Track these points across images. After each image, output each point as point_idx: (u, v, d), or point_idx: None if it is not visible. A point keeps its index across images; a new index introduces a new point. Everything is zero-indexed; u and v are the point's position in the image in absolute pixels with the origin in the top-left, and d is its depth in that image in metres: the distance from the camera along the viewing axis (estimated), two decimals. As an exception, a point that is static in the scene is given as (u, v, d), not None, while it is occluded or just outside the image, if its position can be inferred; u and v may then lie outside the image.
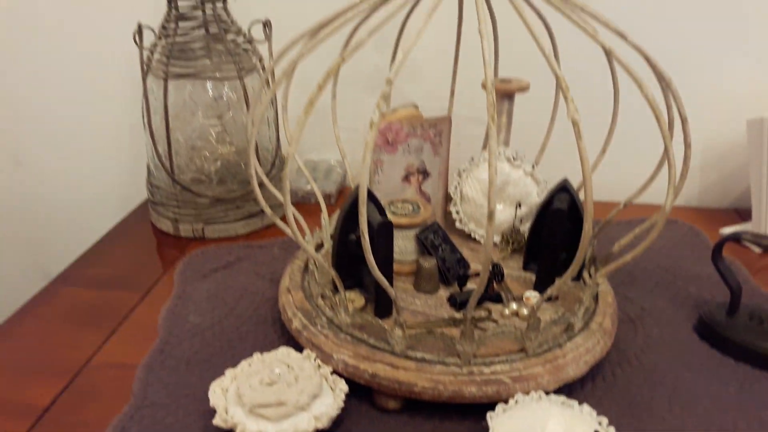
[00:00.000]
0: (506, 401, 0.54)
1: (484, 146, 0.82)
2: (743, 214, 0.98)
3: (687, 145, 0.56)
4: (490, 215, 0.45)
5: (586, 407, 0.53)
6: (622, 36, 0.54)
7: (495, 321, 0.62)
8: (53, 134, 1.14)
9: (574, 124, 0.46)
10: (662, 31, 0.93)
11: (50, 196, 1.20)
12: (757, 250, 0.86)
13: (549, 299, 0.65)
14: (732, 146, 0.99)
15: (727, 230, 0.91)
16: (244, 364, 0.58)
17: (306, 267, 0.71)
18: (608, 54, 0.52)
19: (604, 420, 0.52)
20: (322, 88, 0.49)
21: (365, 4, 0.54)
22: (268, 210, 0.59)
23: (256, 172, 0.59)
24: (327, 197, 0.97)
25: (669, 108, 0.57)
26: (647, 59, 0.54)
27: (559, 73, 0.47)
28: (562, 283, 0.52)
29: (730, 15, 0.91)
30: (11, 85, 1.11)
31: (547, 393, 0.55)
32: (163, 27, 0.82)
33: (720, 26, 0.92)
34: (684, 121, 0.56)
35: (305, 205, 0.98)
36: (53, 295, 0.76)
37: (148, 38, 0.83)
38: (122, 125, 1.11)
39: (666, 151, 0.52)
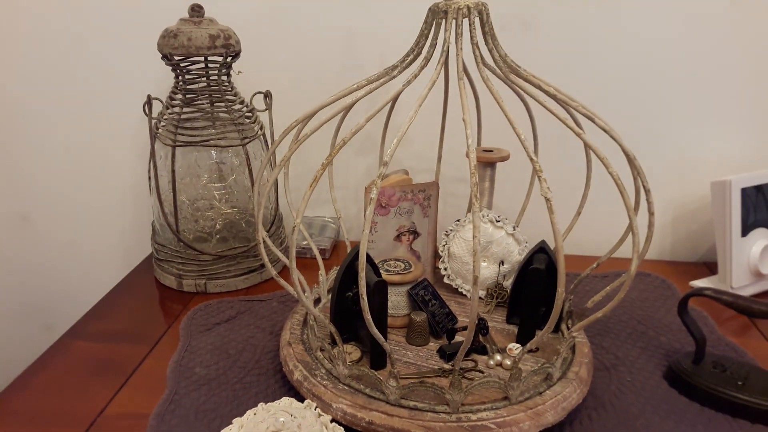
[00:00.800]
0: (492, 446, 0.59)
1: (470, 209, 0.89)
2: (712, 267, 1.05)
3: (650, 213, 0.63)
4: (475, 280, 0.52)
5: (563, 451, 0.58)
6: (590, 119, 0.61)
7: (480, 371, 0.68)
8: (60, 194, 1.20)
9: (547, 200, 0.53)
10: (636, 102, 1.02)
11: (55, 253, 1.25)
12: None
13: (530, 351, 0.71)
14: (700, 205, 1.07)
15: (696, 283, 0.98)
16: (249, 414, 0.63)
17: (305, 321, 0.76)
18: (578, 136, 0.60)
19: (580, 462, 0.57)
20: (326, 166, 0.56)
21: (361, 90, 0.61)
22: (274, 272, 0.65)
23: (264, 240, 0.65)
24: (322, 252, 1.03)
25: (635, 179, 0.64)
26: (614, 138, 0.61)
27: (533, 156, 0.54)
28: (541, 337, 0.58)
29: (697, 89, 1.00)
30: (22, 146, 1.17)
31: (528, 438, 0.60)
32: (170, 98, 0.89)
33: (688, 99, 1.01)
34: (647, 192, 0.63)
35: (301, 258, 1.03)
36: (65, 348, 0.81)
37: (156, 108, 0.90)
38: (126, 187, 1.18)
39: (630, 222, 0.59)
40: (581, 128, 0.68)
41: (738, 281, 0.92)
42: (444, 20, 0.61)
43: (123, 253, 1.22)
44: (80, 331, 0.85)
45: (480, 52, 0.62)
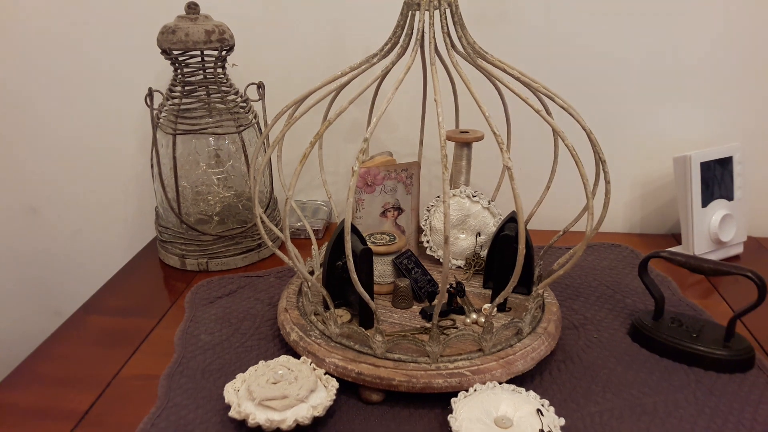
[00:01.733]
0: (467, 390, 0.66)
1: (450, 187, 0.97)
2: (679, 238, 1.12)
3: (607, 181, 0.70)
4: (446, 240, 0.59)
5: (531, 393, 0.66)
6: (550, 98, 0.68)
7: (458, 328, 0.75)
8: (66, 185, 1.27)
9: (508, 168, 0.60)
10: (605, 86, 1.09)
11: (63, 242, 1.32)
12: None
13: (502, 310, 0.79)
14: (667, 181, 1.15)
15: (662, 252, 1.05)
16: (251, 369, 0.70)
17: (300, 290, 0.83)
18: (537, 112, 0.67)
19: (546, 402, 0.65)
20: (314, 144, 0.63)
21: (345, 77, 0.68)
22: (269, 243, 0.73)
23: (261, 216, 0.72)
24: (315, 232, 1.10)
25: (594, 153, 0.71)
26: (571, 115, 0.68)
27: (495, 130, 0.61)
28: (508, 290, 0.65)
29: (660, 72, 1.08)
30: (29, 140, 1.24)
31: (500, 383, 0.67)
32: (170, 90, 0.96)
33: (653, 81, 1.08)
34: (603, 163, 0.70)
35: (296, 239, 1.10)
36: (80, 322, 0.88)
37: (157, 100, 0.96)
38: (129, 177, 1.25)
39: (584, 187, 0.66)
40: (549, 110, 0.75)
41: (700, 248, 0.99)
42: (417, 11, 0.68)
43: (127, 239, 1.29)
44: (93, 307, 0.92)
45: (450, 39, 0.69)
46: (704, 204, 0.99)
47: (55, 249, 1.33)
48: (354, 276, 0.63)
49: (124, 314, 0.90)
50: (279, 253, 0.73)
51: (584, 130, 0.68)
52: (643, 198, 1.17)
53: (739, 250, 1.05)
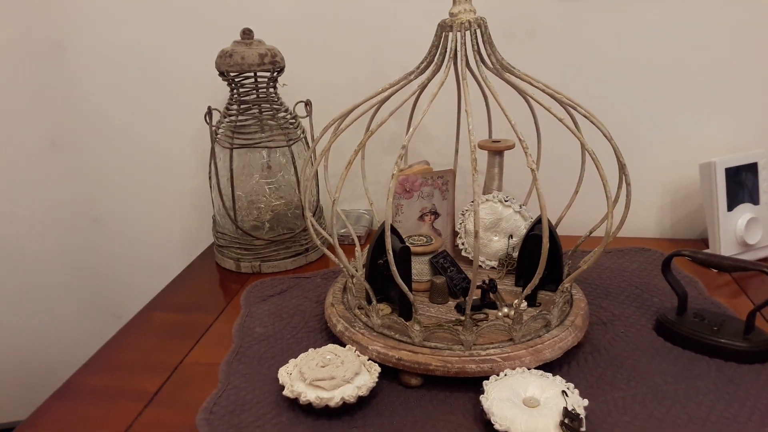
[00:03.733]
0: (498, 374, 0.72)
1: (484, 192, 1.03)
2: (708, 243, 1.16)
3: (627, 183, 0.76)
4: (475, 234, 0.66)
5: (558, 377, 0.72)
6: (573, 107, 0.75)
7: (490, 321, 0.81)
8: (128, 197, 1.38)
9: (532, 171, 0.67)
10: (635, 96, 1.15)
11: (123, 250, 1.44)
12: (712, 269, 1.04)
13: (533, 305, 0.84)
14: (698, 186, 1.19)
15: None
16: (302, 355, 0.78)
17: (344, 288, 0.91)
18: (561, 121, 0.73)
19: (571, 385, 0.70)
20: (357, 152, 0.71)
21: (386, 92, 0.76)
22: (318, 243, 0.81)
23: (312, 222, 0.80)
24: (358, 239, 1.18)
25: (617, 158, 0.76)
26: (593, 123, 0.74)
27: (521, 136, 0.68)
28: (533, 282, 0.72)
29: (688, 80, 1.13)
30: (94, 153, 1.36)
31: (529, 369, 0.73)
32: (227, 108, 1.06)
33: (681, 90, 1.13)
34: (623, 167, 0.76)
35: (341, 244, 1.18)
36: (146, 317, 0.97)
37: (215, 117, 1.06)
38: (186, 189, 1.35)
39: (604, 187, 0.72)
40: (575, 120, 0.82)
41: (726, 251, 1.03)
42: (450, 32, 0.76)
43: (185, 247, 1.39)
44: (156, 305, 1.01)
45: (480, 56, 0.76)
46: (730, 208, 1.03)
47: (118, 257, 1.44)
48: (393, 267, 0.70)
49: (184, 311, 0.99)
50: (327, 252, 0.81)
51: (605, 135, 0.74)
52: (673, 204, 1.21)
53: (766, 252, 1.08)
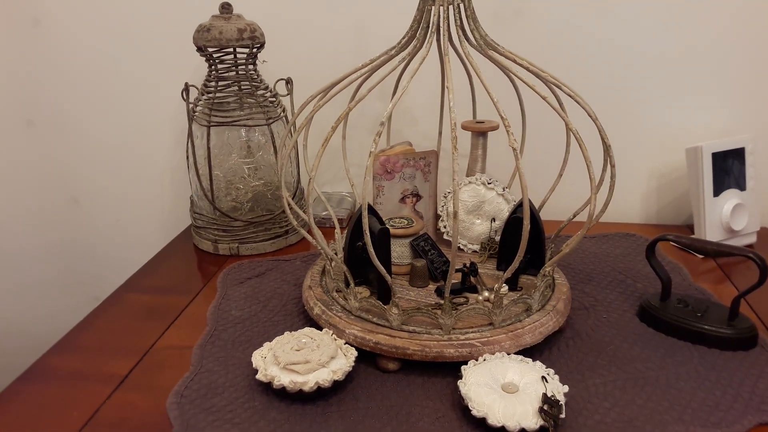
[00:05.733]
0: (477, 359, 0.71)
1: (467, 174, 1.01)
2: (694, 229, 1.15)
3: (611, 165, 0.74)
4: (455, 214, 0.64)
5: (537, 362, 0.70)
6: (558, 86, 0.73)
7: (470, 305, 0.80)
8: (107, 175, 1.35)
9: (513, 149, 0.64)
10: (622, 79, 1.13)
11: (102, 230, 1.40)
12: (697, 254, 1.03)
13: (514, 289, 0.83)
14: (684, 172, 1.17)
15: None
16: (277, 338, 0.76)
17: (323, 270, 0.89)
18: (544, 99, 0.71)
19: (551, 371, 0.69)
20: (335, 128, 0.68)
21: (365, 68, 0.73)
22: (295, 223, 0.78)
23: (287, 200, 0.78)
24: (340, 221, 1.16)
25: (602, 138, 0.75)
26: (578, 102, 0.72)
27: (503, 114, 0.66)
28: (514, 265, 0.70)
29: (676, 65, 1.11)
30: (71, 132, 1.32)
31: (508, 354, 0.71)
32: (205, 85, 1.03)
33: (670, 75, 1.12)
34: (608, 148, 0.74)
35: (322, 227, 1.16)
36: (120, 299, 0.95)
37: (192, 94, 1.03)
38: (164, 169, 1.32)
39: (588, 168, 0.70)
40: (560, 100, 0.79)
41: (712, 237, 1.02)
42: (433, 6, 0.73)
43: (164, 227, 1.36)
44: (131, 286, 0.99)
45: (463, 32, 0.74)
46: (716, 193, 1.02)
47: (96, 238, 1.41)
48: (371, 249, 0.68)
49: (160, 292, 0.96)
50: (304, 233, 0.79)
51: (590, 116, 0.72)
52: (659, 189, 1.19)
53: (752, 239, 1.07)
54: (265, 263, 1.03)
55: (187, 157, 1.05)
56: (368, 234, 0.67)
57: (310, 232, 0.80)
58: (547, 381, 0.67)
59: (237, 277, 0.98)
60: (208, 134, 1.00)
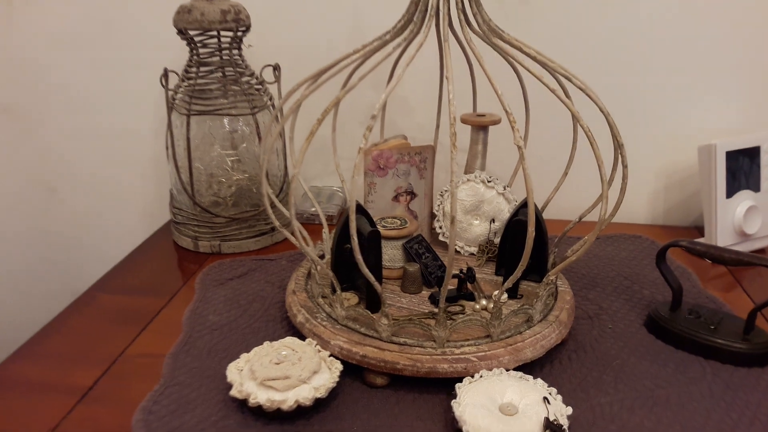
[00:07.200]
0: (472, 376, 0.65)
1: (465, 171, 0.95)
2: (703, 231, 1.09)
3: (624, 165, 0.68)
4: (452, 219, 0.57)
5: (539, 380, 0.64)
6: (568, 78, 0.66)
7: (466, 314, 0.74)
8: (85, 165, 1.28)
9: (519, 148, 0.58)
10: (629, 74, 1.06)
11: (80, 222, 1.33)
12: (706, 259, 0.97)
13: (514, 296, 0.77)
14: (691, 171, 1.11)
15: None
16: (256, 349, 0.69)
17: (309, 273, 0.82)
18: (552, 92, 0.64)
19: (553, 390, 0.63)
20: (321, 121, 0.62)
21: (357, 54, 0.67)
22: (278, 223, 0.72)
23: (268, 194, 0.71)
24: (330, 218, 1.09)
25: (613, 137, 0.68)
26: (589, 96, 0.66)
27: (507, 108, 0.59)
28: (515, 275, 0.64)
29: (688, 60, 1.04)
30: (47, 119, 1.25)
31: (507, 370, 0.65)
32: (186, 71, 0.96)
33: (681, 69, 1.05)
34: (620, 147, 0.68)
35: (311, 225, 1.10)
36: (92, 299, 0.88)
37: (172, 80, 0.96)
38: (146, 158, 1.25)
39: (599, 169, 0.63)
40: (567, 93, 0.73)
41: (723, 240, 0.96)
42: (431, -12, 0.67)
43: (145, 221, 1.30)
44: (104, 286, 0.92)
45: (465, 16, 0.67)
46: (729, 195, 0.96)
47: (73, 229, 1.34)
48: (359, 256, 0.62)
49: (135, 293, 0.90)
50: (286, 232, 0.72)
51: (602, 111, 0.66)
52: (666, 189, 1.13)
53: (765, 243, 1.01)
54: (248, 263, 0.96)
55: (167, 148, 0.99)
56: (355, 239, 0.60)
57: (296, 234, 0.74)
58: (549, 402, 0.61)
59: (217, 278, 0.92)
60: (188, 123, 0.93)
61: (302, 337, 0.72)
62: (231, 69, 0.95)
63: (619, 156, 0.68)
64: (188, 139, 0.93)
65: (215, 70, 0.95)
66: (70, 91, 1.22)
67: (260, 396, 0.62)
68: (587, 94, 0.66)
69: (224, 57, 0.95)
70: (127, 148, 1.24)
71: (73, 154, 1.27)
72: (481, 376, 0.64)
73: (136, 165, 1.26)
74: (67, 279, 1.39)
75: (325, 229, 0.86)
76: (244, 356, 0.69)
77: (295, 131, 0.80)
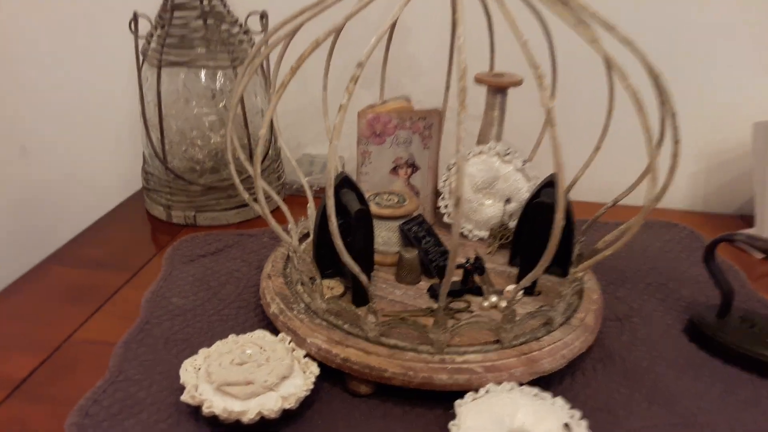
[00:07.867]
0: (477, 390, 0.53)
1: (478, 142, 0.82)
2: (749, 221, 0.95)
3: (676, 140, 0.55)
4: (457, 200, 0.45)
5: (558, 400, 0.52)
6: (609, 29, 0.53)
7: (472, 313, 0.62)
8: (58, 122, 1.15)
9: (548, 112, 0.45)
10: (671, 41, 0.92)
11: (53, 185, 1.22)
12: (757, 255, 0.84)
13: (530, 293, 0.64)
14: (738, 152, 0.97)
15: (728, 235, 0.89)
16: (218, 344, 0.58)
17: (289, 255, 0.71)
18: (592, 44, 0.51)
19: (577, 413, 0.51)
20: (295, 70, 0.49)
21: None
22: (247, 196, 0.59)
23: (233, 159, 0.59)
24: (322, 190, 0.97)
25: (662, 104, 0.56)
26: (636, 51, 0.53)
27: (535, 61, 0.46)
28: (536, 272, 0.51)
29: (737, 25, 0.90)
30: (15, 77, 1.13)
31: (520, 384, 0.54)
32: (160, 16, 0.83)
33: (728, 36, 0.91)
34: (673, 116, 0.55)
35: (300, 197, 0.98)
36: (43, 273, 0.77)
37: (145, 28, 0.84)
38: (122, 114, 1.12)
39: (647, 145, 0.51)
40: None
41: (776, 234, 0.83)
42: None
43: (121, 184, 1.18)
44: (60, 257, 0.81)
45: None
46: (787, 180, 0.82)
47: (45, 191, 1.22)
48: (338, 242, 0.49)
49: (94, 267, 0.79)
50: (256, 206, 0.60)
51: (651, 72, 0.53)
52: (708, 171, 1.00)
53: (823, 238, 0.87)
54: (225, 237, 0.84)
55: (141, 105, 0.86)
56: (334, 220, 0.48)
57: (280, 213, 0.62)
58: (570, 429, 0.49)
59: (188, 254, 0.80)
60: (158, 76, 0.80)
61: (276, 331, 0.60)
62: (210, 15, 0.82)
63: (673, 128, 0.54)
64: (159, 93, 0.81)
65: (194, 19, 0.82)
66: (39, 42, 1.09)
67: (216, 404, 0.51)
68: (634, 48, 0.53)
69: (203, 1, 0.82)
70: (101, 103, 1.12)
71: (45, 111, 1.15)
72: (487, 392, 0.52)
73: (111, 122, 1.13)
74: (38, 241, 1.27)
75: (311, 203, 0.74)
76: (203, 352, 0.58)
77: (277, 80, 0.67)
